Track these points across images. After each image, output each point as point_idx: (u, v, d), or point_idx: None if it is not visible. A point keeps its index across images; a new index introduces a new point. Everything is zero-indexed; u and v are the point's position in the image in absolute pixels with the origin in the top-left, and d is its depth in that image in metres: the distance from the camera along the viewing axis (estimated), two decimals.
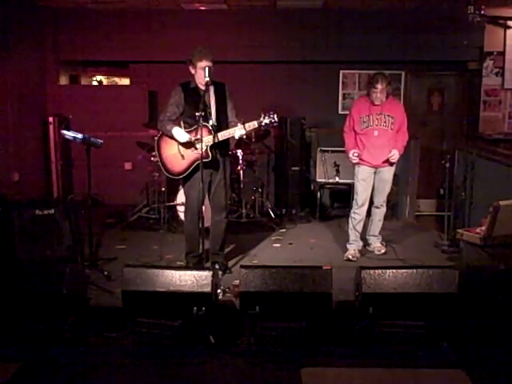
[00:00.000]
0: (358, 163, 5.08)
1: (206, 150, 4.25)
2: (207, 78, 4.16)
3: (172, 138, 4.39)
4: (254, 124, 4.30)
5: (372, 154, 4.99)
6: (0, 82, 6.14)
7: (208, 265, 4.61)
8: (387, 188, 5.18)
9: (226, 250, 5.01)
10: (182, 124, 4.46)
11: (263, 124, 4.29)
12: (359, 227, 5.20)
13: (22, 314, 3.49)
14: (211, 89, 4.39)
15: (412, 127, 7.23)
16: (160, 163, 4.55)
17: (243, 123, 4.29)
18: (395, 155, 4.96)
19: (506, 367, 3.12)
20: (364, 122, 4.98)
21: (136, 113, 7.11)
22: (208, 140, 4.26)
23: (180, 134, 4.33)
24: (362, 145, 5.03)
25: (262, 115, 4.30)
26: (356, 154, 4.97)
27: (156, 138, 4.60)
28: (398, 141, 5.02)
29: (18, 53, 6.47)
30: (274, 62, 7.27)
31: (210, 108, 4.38)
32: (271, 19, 7.11)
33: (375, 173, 5.09)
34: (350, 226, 5.25)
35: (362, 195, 5.09)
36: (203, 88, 4.34)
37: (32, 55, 6.95)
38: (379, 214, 5.26)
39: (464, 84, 7.36)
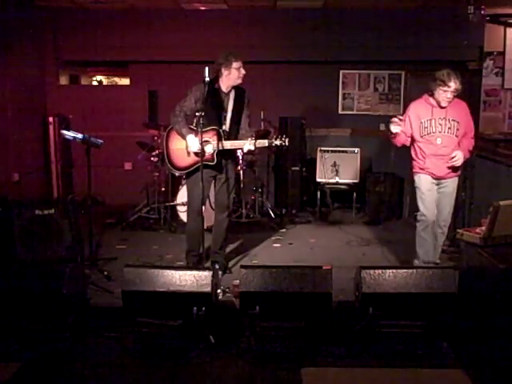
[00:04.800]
0: (416, 164, 4.47)
1: (213, 153, 4.29)
2: (207, 79, 4.15)
3: (183, 138, 4.37)
4: (264, 143, 4.35)
5: (435, 164, 4.33)
6: (0, 82, 6.14)
7: (208, 264, 4.61)
8: (451, 204, 4.47)
9: (226, 250, 5.01)
10: (194, 121, 4.42)
11: (273, 145, 4.36)
12: (432, 247, 4.48)
13: (22, 314, 3.49)
14: (232, 93, 4.42)
15: None
16: (165, 154, 4.53)
17: (254, 139, 4.29)
18: (457, 156, 4.26)
19: (506, 367, 3.12)
20: (425, 127, 4.32)
21: (136, 113, 7.11)
22: (217, 145, 4.27)
23: (193, 142, 4.29)
24: (422, 153, 4.39)
25: (274, 136, 4.38)
26: (397, 120, 4.33)
27: (167, 130, 4.56)
28: (462, 143, 4.37)
29: (17, 53, 6.47)
30: (274, 62, 7.27)
31: (226, 112, 4.39)
32: (271, 19, 7.11)
33: (437, 185, 4.42)
34: (423, 248, 4.44)
35: (430, 207, 4.35)
36: (225, 89, 4.37)
37: (32, 55, 6.95)
38: (440, 237, 4.50)
39: (464, 84, 7.34)
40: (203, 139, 4.20)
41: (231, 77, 4.33)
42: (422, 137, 4.34)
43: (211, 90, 4.30)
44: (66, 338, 3.46)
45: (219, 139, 4.30)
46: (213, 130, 4.30)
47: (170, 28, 7.11)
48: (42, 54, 7.15)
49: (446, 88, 4.19)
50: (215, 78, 4.36)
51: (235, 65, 4.29)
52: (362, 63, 7.32)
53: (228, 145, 4.31)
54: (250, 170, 6.45)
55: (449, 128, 4.29)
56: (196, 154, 4.32)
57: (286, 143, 4.33)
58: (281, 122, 7.04)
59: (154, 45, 7.11)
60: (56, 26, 7.18)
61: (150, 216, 6.32)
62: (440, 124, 4.29)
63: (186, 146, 4.40)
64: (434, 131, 4.30)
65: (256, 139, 4.31)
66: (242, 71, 4.35)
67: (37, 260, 4.50)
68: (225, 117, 4.37)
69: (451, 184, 4.42)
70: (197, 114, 4.12)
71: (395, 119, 4.34)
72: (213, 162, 4.29)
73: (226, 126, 4.37)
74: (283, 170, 7.02)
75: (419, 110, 4.37)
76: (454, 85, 4.18)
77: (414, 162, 4.51)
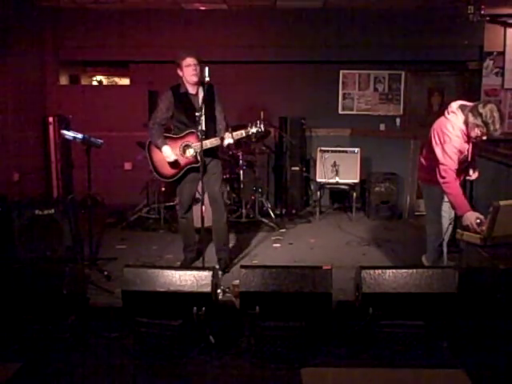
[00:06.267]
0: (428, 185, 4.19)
1: (196, 155, 4.36)
2: (207, 78, 4.15)
3: (159, 150, 4.46)
4: (241, 133, 4.35)
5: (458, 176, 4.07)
6: (0, 82, 6.14)
7: (206, 260, 4.61)
8: None
9: None
10: (172, 127, 4.57)
11: (250, 133, 4.35)
12: None
13: (22, 314, 3.49)
14: (200, 92, 4.44)
15: (412, 127, 7.31)
16: (151, 166, 4.61)
17: (231, 132, 4.34)
18: (476, 172, 4.18)
19: (506, 367, 3.12)
20: (464, 155, 3.98)
21: (136, 113, 7.10)
22: (197, 146, 4.30)
23: (168, 153, 4.42)
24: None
25: (250, 124, 4.35)
26: (479, 221, 3.65)
27: (147, 142, 4.63)
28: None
29: (17, 53, 6.47)
30: (274, 62, 7.27)
31: (198, 113, 4.36)
32: (271, 19, 7.11)
33: None
34: (444, 256, 4.30)
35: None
36: (192, 90, 4.41)
37: (32, 55, 6.95)
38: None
39: (464, 84, 7.36)
40: (184, 144, 4.42)
41: (186, 76, 4.36)
42: (458, 165, 3.95)
43: (179, 95, 4.40)
44: (65, 338, 3.46)
45: (197, 140, 4.32)
46: (190, 133, 4.38)
47: (170, 28, 7.11)
48: (42, 54, 7.15)
49: (485, 131, 3.69)
50: (182, 82, 4.44)
51: (185, 62, 4.30)
52: (361, 63, 7.32)
53: (208, 143, 4.33)
54: (249, 169, 6.44)
55: (475, 149, 4.05)
56: (172, 163, 4.44)
57: (262, 129, 4.32)
58: (281, 122, 7.04)
59: (154, 45, 7.12)
60: (56, 26, 7.19)
61: (149, 216, 6.33)
62: (471, 148, 3.98)
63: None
64: (469, 157, 4.03)
65: (256, 137, 4.35)
66: (195, 68, 4.29)
67: (37, 260, 4.50)
68: (199, 117, 4.34)
69: None
70: (197, 114, 4.17)
71: (478, 221, 3.68)
72: (197, 163, 4.32)
73: (202, 126, 4.37)
74: (283, 170, 7.02)
75: (462, 144, 3.90)
76: (494, 133, 3.65)
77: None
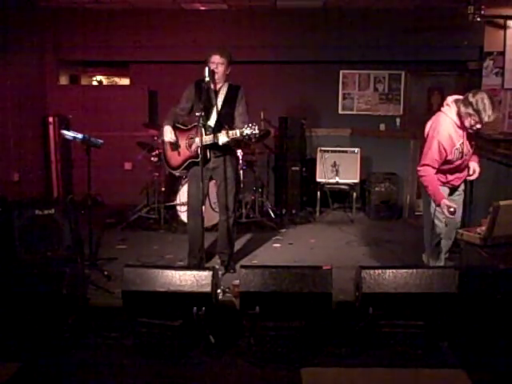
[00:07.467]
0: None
1: (196, 149, 4.34)
2: (207, 78, 4.19)
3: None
4: (236, 133, 4.28)
5: (456, 176, 4.12)
6: (0, 82, 6.14)
7: (209, 264, 4.61)
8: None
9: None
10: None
11: (244, 134, 4.28)
12: None
13: (22, 314, 3.49)
14: (223, 90, 4.45)
15: (412, 127, 7.31)
16: (163, 155, 4.73)
17: (227, 130, 4.30)
18: (477, 171, 4.09)
19: (506, 367, 3.12)
20: (460, 152, 3.91)
21: (136, 113, 7.12)
22: (198, 141, 4.27)
23: (166, 132, 4.51)
24: (443, 178, 4.05)
25: (245, 126, 4.29)
26: (452, 209, 3.73)
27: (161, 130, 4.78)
28: (475, 154, 4.10)
29: (17, 53, 6.48)
30: (275, 62, 7.27)
31: (212, 109, 4.40)
32: (271, 19, 7.11)
33: (450, 194, 4.20)
34: (442, 256, 4.28)
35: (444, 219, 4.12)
36: (214, 86, 4.40)
37: (32, 55, 6.95)
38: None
39: (464, 84, 7.35)
40: (190, 136, 4.46)
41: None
42: (452, 162, 3.97)
43: (200, 89, 4.39)
44: (66, 338, 3.46)
45: (201, 135, 4.25)
46: (196, 126, 4.35)
47: (170, 28, 7.11)
48: (41, 54, 7.15)
49: (478, 120, 3.71)
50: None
51: (209, 60, 4.33)
52: (361, 63, 7.32)
53: (208, 139, 4.31)
54: (249, 169, 6.44)
55: (473, 144, 4.02)
56: (170, 144, 4.54)
57: (256, 130, 4.25)
58: (281, 121, 7.04)
59: (154, 45, 7.12)
60: (56, 26, 7.19)
61: (149, 216, 6.32)
62: (467, 143, 3.95)
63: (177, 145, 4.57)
64: (466, 152, 3.96)
65: (255, 137, 4.34)
66: (217, 67, 4.31)
67: (37, 260, 4.50)
68: (201, 111, 4.30)
69: (462, 188, 4.33)
70: (197, 113, 4.20)
71: (451, 209, 3.73)
72: (197, 158, 4.28)
73: (212, 122, 4.39)
74: (283, 170, 7.02)
75: (452, 136, 3.89)
76: (487, 119, 3.66)
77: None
